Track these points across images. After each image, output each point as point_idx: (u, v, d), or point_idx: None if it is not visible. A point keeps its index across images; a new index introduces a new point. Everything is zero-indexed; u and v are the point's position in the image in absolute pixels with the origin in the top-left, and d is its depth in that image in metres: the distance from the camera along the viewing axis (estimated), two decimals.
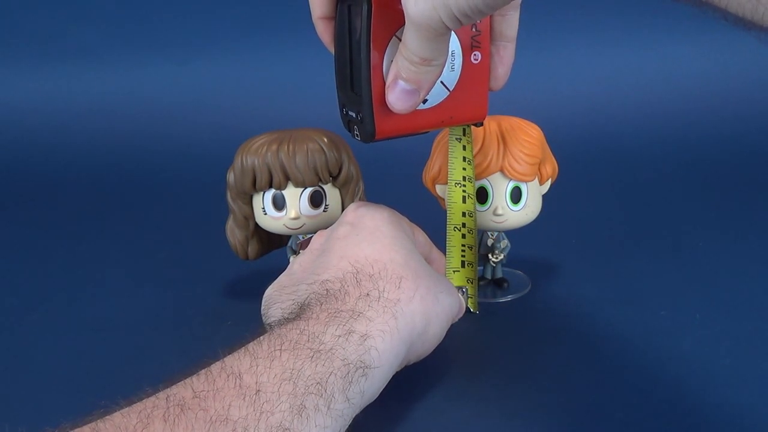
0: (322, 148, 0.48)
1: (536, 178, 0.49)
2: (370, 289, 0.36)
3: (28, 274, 0.60)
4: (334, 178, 0.49)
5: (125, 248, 0.65)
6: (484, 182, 0.48)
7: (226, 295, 0.54)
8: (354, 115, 0.40)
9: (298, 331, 0.33)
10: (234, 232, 0.51)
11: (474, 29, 0.39)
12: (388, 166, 0.72)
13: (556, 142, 0.51)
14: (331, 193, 0.50)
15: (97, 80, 1.02)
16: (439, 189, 0.50)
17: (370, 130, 0.39)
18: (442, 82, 0.39)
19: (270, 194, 0.49)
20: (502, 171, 0.47)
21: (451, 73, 0.39)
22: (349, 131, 0.41)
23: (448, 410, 0.38)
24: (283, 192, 0.48)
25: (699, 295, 0.50)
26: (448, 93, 0.40)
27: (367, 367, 0.33)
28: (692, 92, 0.98)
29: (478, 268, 0.51)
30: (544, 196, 0.51)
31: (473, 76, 0.40)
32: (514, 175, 0.47)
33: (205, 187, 0.72)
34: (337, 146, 0.49)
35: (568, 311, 0.49)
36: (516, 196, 0.48)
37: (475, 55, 0.40)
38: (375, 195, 0.51)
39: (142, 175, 0.88)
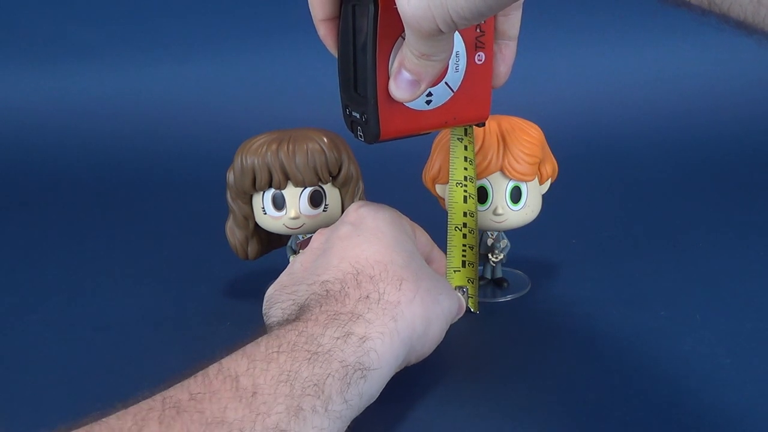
0: (322, 148, 0.48)
1: (536, 178, 0.49)
2: (371, 291, 0.36)
3: (28, 274, 0.60)
4: (333, 178, 0.49)
5: (125, 248, 0.65)
6: (484, 182, 0.48)
7: (226, 295, 0.54)
8: (358, 116, 0.39)
9: (297, 333, 0.33)
10: (234, 232, 0.51)
11: (478, 30, 0.39)
12: (388, 166, 0.72)
13: (556, 142, 0.51)
14: (331, 193, 0.50)
15: (97, 80, 1.02)
16: (438, 189, 0.50)
17: (375, 131, 0.38)
18: (446, 83, 0.39)
19: (270, 194, 0.48)
20: (502, 171, 0.47)
21: (456, 74, 0.39)
22: (353, 132, 0.41)
23: (448, 410, 0.38)
24: (283, 192, 0.48)
25: (699, 295, 0.50)
26: (452, 93, 0.40)
27: (365, 369, 0.33)
28: (692, 92, 0.98)
29: (478, 267, 0.51)
30: (544, 196, 0.51)
31: (477, 76, 0.40)
32: (514, 175, 0.47)
33: (205, 187, 0.72)
34: (337, 146, 0.49)
35: (568, 311, 0.49)
36: (516, 195, 0.48)
37: (479, 55, 0.40)
38: (375, 195, 0.50)
39: (142, 175, 0.88)
